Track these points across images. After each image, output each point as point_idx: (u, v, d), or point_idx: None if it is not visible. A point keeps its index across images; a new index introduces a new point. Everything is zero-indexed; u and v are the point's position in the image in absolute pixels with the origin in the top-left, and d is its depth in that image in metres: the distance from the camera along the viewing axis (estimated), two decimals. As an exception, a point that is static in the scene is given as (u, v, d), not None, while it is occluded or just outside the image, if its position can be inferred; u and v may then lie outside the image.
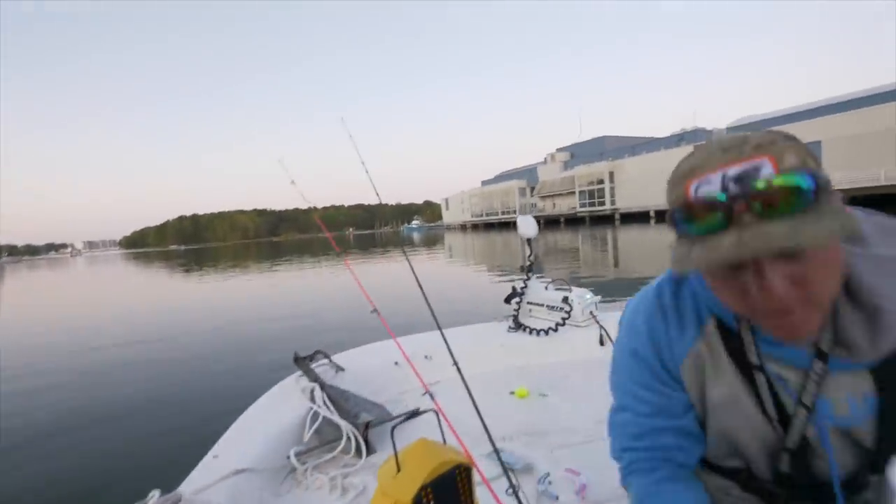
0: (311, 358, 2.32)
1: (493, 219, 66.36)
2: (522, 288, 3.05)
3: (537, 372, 2.53)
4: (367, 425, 1.73)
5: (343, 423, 1.77)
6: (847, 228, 0.42)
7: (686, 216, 0.47)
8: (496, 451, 1.23)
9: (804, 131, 33.33)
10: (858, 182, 29.30)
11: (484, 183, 79.14)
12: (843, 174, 30.28)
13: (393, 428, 0.86)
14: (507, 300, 3.10)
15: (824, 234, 0.41)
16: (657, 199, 40.41)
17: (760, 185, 0.43)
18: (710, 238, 0.45)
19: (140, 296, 15.50)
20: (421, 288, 1.88)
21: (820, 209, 0.43)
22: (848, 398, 0.55)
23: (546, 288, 3.02)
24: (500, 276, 11.80)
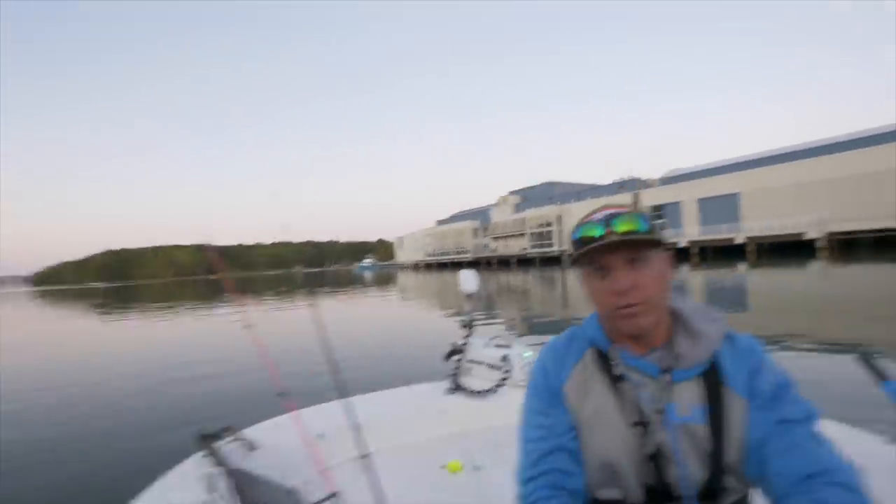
0: (219, 435, 2.04)
1: (446, 258, 66.77)
2: (462, 345, 2.92)
3: (474, 438, 2.37)
4: None
5: None
6: (667, 260, 0.77)
7: (581, 226, 0.76)
8: None
9: (726, 183, 37.16)
10: (772, 230, 32.36)
11: (439, 222, 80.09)
12: (759, 223, 33.46)
13: None
14: (447, 358, 2.95)
15: (650, 253, 0.74)
16: (600, 242, 42.30)
17: (620, 217, 0.73)
18: (593, 240, 0.73)
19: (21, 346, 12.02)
20: (328, 350, 1.73)
21: (650, 243, 0.73)
22: (688, 403, 0.74)
23: (486, 345, 2.91)
24: (451, 322, 11.56)
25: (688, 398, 0.74)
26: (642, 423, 0.74)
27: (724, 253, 34.02)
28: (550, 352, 0.86)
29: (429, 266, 69.31)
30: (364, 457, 2.05)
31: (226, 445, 2.00)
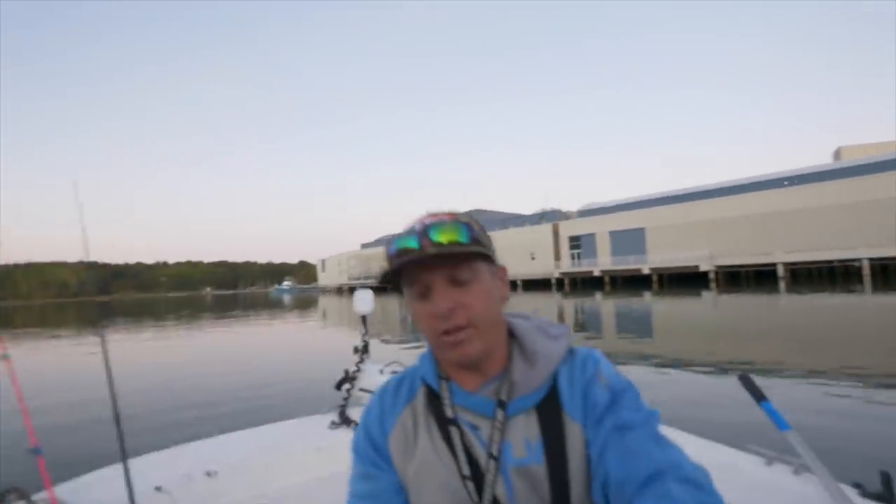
0: (3, 500, 1.57)
1: (370, 282, 65.02)
2: (354, 372, 2.56)
3: None
4: None
5: None
6: (498, 274, 0.68)
7: (397, 238, 0.64)
8: None
9: (634, 218, 40.62)
10: (673, 262, 35.71)
11: (363, 246, 78.67)
12: (661, 255, 36.79)
13: None
14: (338, 386, 2.57)
15: (477, 268, 0.63)
16: (519, 268, 44.24)
17: (438, 226, 0.62)
18: (407, 253, 0.61)
19: None
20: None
21: (474, 256, 0.63)
22: (524, 440, 0.62)
23: (381, 371, 2.59)
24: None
25: (523, 434, 0.63)
26: (475, 476, 0.63)
27: (632, 282, 36.90)
28: (378, 398, 0.73)
29: (353, 289, 67.29)
30: None
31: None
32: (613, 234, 42.10)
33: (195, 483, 1.77)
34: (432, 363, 0.69)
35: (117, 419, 1.47)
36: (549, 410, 0.63)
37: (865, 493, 1.24)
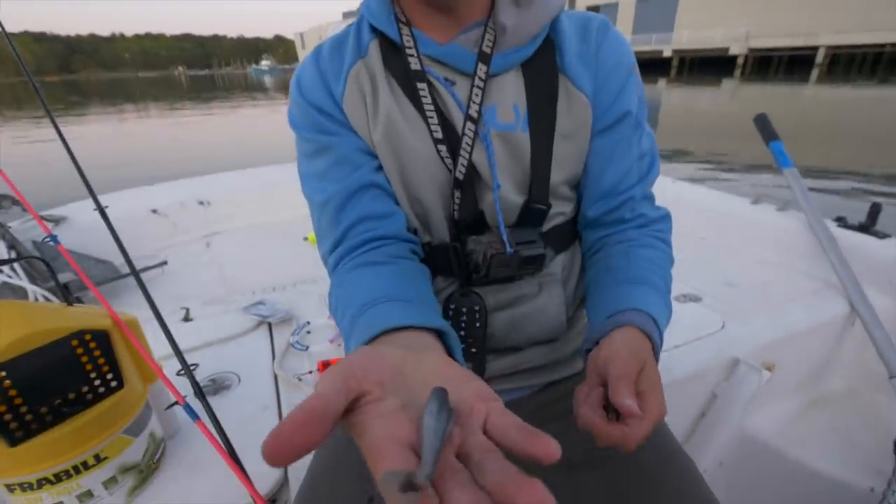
0: None
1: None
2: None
3: None
4: (66, 288, 0.98)
5: (31, 289, 1.26)
6: None
7: None
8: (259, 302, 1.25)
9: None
10: (700, 43, 31.81)
11: (345, 15, 68.65)
12: (690, 34, 32.51)
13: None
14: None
15: None
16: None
17: None
18: None
19: None
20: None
21: None
22: (511, 102, 0.53)
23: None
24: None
25: (511, 95, 0.53)
26: (449, 139, 0.52)
27: (648, 67, 33.03)
28: (312, 62, 0.56)
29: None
30: (212, 234, 1.90)
31: (14, 222, 1.59)
32: (640, 3, 36.15)
33: (188, 210, 1.88)
34: (385, 3, 0.53)
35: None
36: (545, 68, 0.53)
37: (846, 225, 1.32)
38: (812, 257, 1.31)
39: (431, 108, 0.52)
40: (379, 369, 0.27)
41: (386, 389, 0.26)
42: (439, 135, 0.52)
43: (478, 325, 0.56)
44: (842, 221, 1.34)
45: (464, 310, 0.56)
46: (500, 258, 0.53)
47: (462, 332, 0.56)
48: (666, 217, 0.60)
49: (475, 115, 0.51)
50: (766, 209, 1.52)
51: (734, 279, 1.31)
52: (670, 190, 1.80)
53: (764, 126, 1.45)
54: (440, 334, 0.39)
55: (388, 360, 0.28)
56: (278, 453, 0.20)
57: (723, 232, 1.58)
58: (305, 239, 1.83)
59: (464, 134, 0.52)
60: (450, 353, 0.38)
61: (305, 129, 0.54)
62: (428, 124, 0.52)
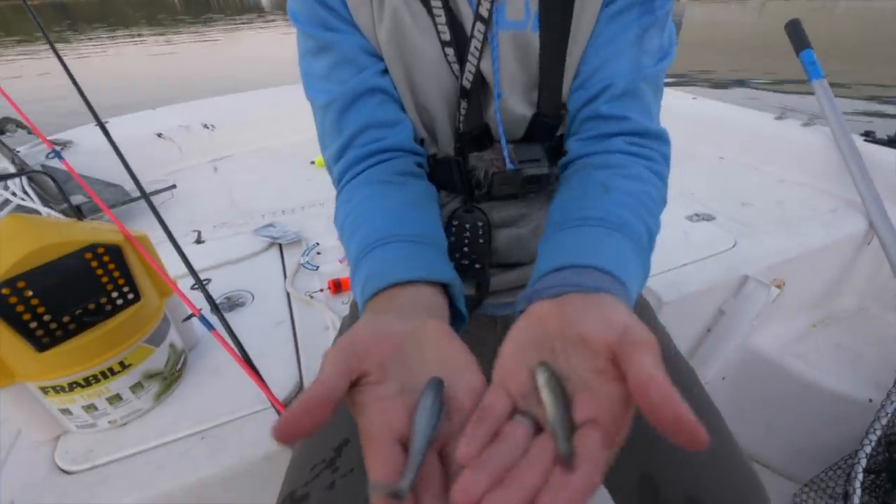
0: (2, 130, 1.64)
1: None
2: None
3: None
4: (79, 210, 1.17)
5: (44, 211, 1.33)
6: None
7: None
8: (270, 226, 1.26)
9: None
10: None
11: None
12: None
13: None
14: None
15: None
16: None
17: None
18: None
19: None
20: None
21: None
22: (524, 2, 0.48)
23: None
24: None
25: None
26: (457, 41, 0.48)
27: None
28: None
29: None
30: (220, 159, 1.89)
31: (21, 146, 1.60)
32: None
33: (193, 134, 1.87)
34: None
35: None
36: None
37: (873, 140, 1.27)
38: (834, 175, 1.26)
39: (439, 4, 0.47)
40: (380, 349, 0.29)
41: (386, 371, 0.28)
42: (447, 36, 0.48)
43: (481, 240, 0.55)
44: (869, 136, 1.28)
45: (467, 225, 0.54)
46: (501, 176, 0.50)
47: (465, 248, 0.55)
48: (662, 137, 0.49)
49: (485, 13, 0.46)
50: (790, 125, 1.46)
51: (750, 198, 1.28)
52: (691, 107, 1.70)
53: (795, 32, 1.37)
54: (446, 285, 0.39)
55: (390, 337, 0.30)
56: (288, 436, 0.23)
57: (744, 150, 1.52)
58: (312, 163, 1.81)
59: (472, 36, 0.47)
60: (453, 303, 0.39)
61: (307, 23, 0.50)
62: (435, 23, 0.48)
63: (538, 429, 0.26)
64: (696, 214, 1.21)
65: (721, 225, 1.16)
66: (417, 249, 0.40)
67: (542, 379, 0.26)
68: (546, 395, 0.26)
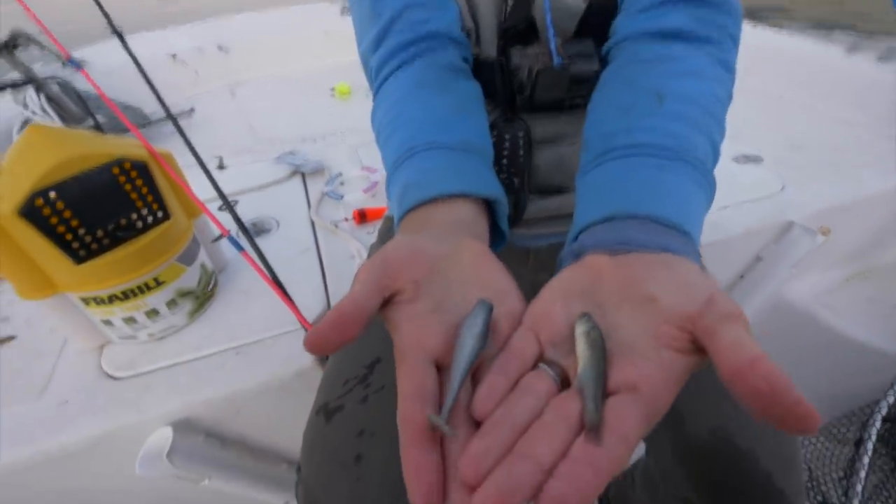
0: (14, 44, 1.52)
1: None
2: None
3: None
4: (99, 128, 1.26)
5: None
6: None
7: None
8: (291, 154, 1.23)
9: None
10: None
11: None
12: None
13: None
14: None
15: None
16: None
17: None
18: None
19: None
20: None
21: None
22: None
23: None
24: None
25: None
26: None
27: None
28: None
29: None
30: (236, 85, 1.86)
31: (25, 54, 1.49)
32: None
33: (208, 56, 1.84)
34: None
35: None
36: None
37: None
38: None
39: None
40: (415, 268, 0.27)
41: (420, 289, 0.26)
42: None
43: (521, 155, 0.51)
44: None
45: (507, 136, 0.50)
46: (547, 73, 0.45)
47: (504, 161, 0.51)
48: (733, 9, 0.40)
49: None
50: (863, 59, 1.32)
51: (804, 141, 1.19)
52: (750, 37, 1.55)
53: None
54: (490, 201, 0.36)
55: (424, 258, 0.28)
56: (318, 348, 0.23)
57: (805, 87, 1.39)
58: (332, 90, 1.76)
59: None
60: (495, 221, 0.37)
61: None
62: None
63: (564, 384, 0.23)
64: (744, 156, 1.13)
65: (768, 167, 1.09)
66: (462, 159, 0.37)
67: (581, 328, 0.23)
68: (582, 347, 0.22)
